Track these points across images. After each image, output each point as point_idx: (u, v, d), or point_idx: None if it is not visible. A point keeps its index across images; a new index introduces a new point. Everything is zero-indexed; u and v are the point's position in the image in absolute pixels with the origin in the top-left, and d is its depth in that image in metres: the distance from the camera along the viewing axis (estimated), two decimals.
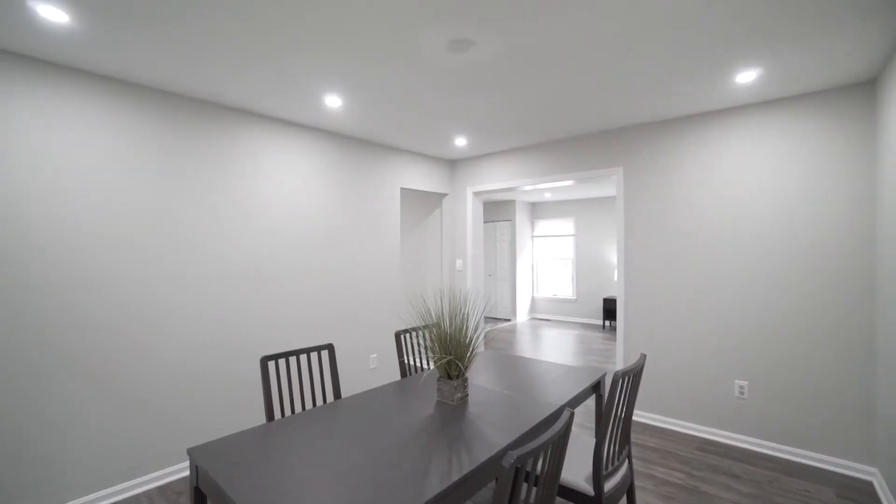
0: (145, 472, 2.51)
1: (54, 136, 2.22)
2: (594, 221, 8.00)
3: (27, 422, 2.13)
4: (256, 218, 3.06)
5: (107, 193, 2.39)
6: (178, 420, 2.65)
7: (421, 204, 5.19)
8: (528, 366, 2.54)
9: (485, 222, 8.75)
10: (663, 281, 3.33)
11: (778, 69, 2.37)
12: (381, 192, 4.05)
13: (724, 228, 3.05)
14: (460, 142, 4.00)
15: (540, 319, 8.49)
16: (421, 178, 4.51)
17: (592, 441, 2.08)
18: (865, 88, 2.56)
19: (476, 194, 4.76)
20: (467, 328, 1.92)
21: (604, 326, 7.50)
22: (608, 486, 1.75)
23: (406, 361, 2.57)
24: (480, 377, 2.32)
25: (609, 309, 7.34)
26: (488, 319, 8.43)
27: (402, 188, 4.31)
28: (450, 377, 1.94)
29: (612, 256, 7.80)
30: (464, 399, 1.96)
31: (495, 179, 4.50)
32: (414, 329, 2.65)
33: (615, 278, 7.72)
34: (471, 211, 4.74)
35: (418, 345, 2.54)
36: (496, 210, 8.56)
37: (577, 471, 1.81)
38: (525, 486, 1.98)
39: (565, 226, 8.44)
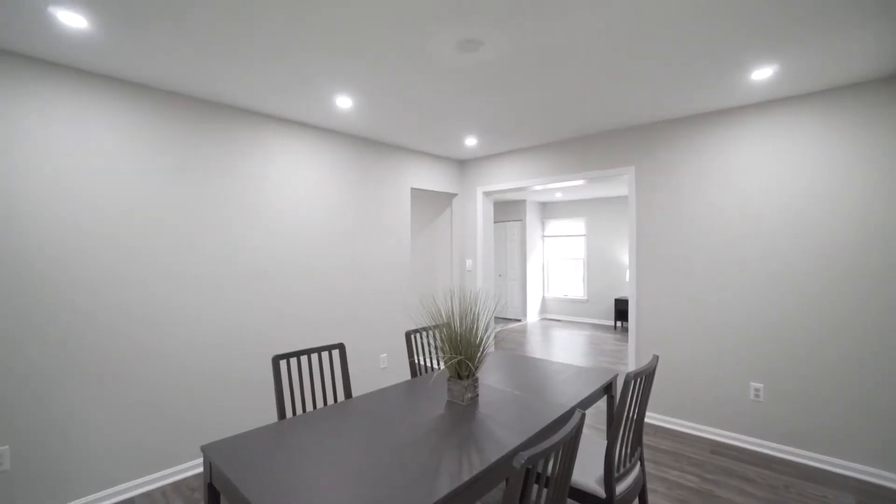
0: (145, 473, 2.50)
1: (54, 135, 2.21)
2: (605, 221, 7.92)
3: (27, 422, 2.13)
4: (265, 219, 3.08)
5: (110, 194, 2.39)
6: (178, 419, 2.64)
7: (431, 204, 5.20)
8: (539, 366, 2.53)
9: (495, 222, 8.72)
10: (676, 281, 3.28)
11: (794, 65, 2.32)
12: (391, 193, 4.06)
13: (739, 227, 2.99)
14: (470, 142, 4.00)
15: (550, 320, 8.44)
16: (431, 178, 4.51)
17: (604, 443, 2.06)
18: (887, 84, 2.49)
19: (486, 194, 4.75)
20: (477, 328, 1.91)
21: (615, 327, 7.43)
22: (620, 488, 1.73)
23: (416, 361, 2.58)
24: (491, 377, 2.31)
25: (620, 309, 7.27)
26: (498, 320, 8.40)
27: (412, 188, 4.32)
28: (460, 377, 1.94)
29: (624, 256, 7.72)
30: (474, 399, 1.96)
31: (505, 179, 4.49)
32: (424, 329, 2.65)
33: (627, 279, 7.65)
34: (481, 211, 4.73)
35: (429, 345, 2.54)
36: (506, 210, 8.53)
37: (588, 473, 1.79)
38: (536, 487, 1.97)
39: (576, 226, 8.37)
